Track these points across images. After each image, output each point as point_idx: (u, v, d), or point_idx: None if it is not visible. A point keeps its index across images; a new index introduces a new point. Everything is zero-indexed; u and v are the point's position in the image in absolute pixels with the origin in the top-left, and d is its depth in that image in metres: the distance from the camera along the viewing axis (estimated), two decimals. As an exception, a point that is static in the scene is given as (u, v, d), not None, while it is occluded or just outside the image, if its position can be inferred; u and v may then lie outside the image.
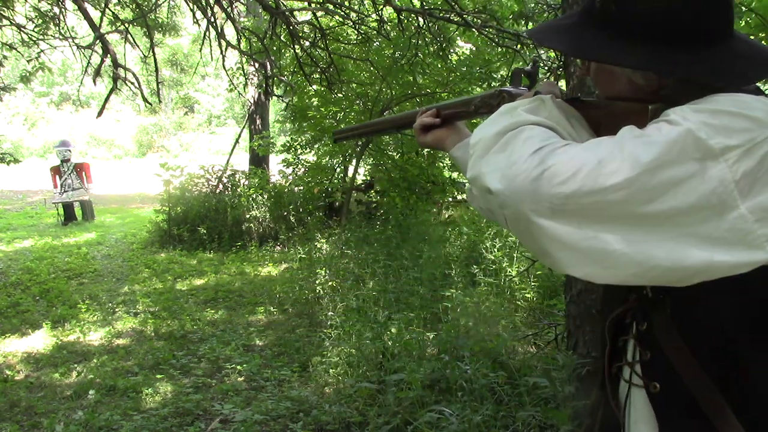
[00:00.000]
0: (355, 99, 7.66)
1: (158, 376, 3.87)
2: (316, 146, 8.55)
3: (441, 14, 5.23)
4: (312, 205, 8.23)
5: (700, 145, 0.72)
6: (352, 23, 5.78)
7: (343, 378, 3.65)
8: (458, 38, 6.80)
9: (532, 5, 5.10)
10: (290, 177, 8.85)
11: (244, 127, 11.65)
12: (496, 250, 5.49)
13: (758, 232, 0.72)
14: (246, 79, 8.52)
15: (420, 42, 5.55)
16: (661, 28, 0.83)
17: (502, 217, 0.81)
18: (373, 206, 8.27)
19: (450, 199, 8.67)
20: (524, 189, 0.75)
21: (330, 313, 4.73)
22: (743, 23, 3.30)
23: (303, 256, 6.57)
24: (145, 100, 4.73)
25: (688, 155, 0.72)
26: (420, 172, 7.87)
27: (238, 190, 8.93)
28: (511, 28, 5.17)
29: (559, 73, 4.53)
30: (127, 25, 5.17)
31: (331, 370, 3.78)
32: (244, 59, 6.33)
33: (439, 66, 6.82)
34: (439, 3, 5.70)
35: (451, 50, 6.40)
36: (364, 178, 9.36)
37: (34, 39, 6.72)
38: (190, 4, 5.21)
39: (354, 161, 8.27)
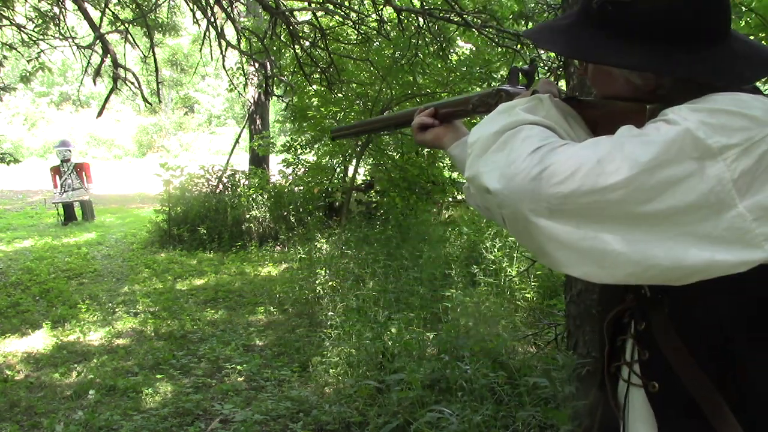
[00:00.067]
0: (355, 99, 7.66)
1: (158, 376, 3.87)
2: (316, 146, 8.55)
3: (441, 14, 5.23)
4: (312, 205, 8.23)
5: (698, 145, 0.72)
6: (352, 23, 5.78)
7: (343, 378, 3.65)
8: (458, 38, 6.80)
9: (532, 5, 5.10)
10: (290, 177, 8.85)
11: (244, 127, 11.65)
12: (496, 250, 5.49)
13: (756, 231, 0.72)
14: (246, 79, 8.52)
15: (420, 42, 5.56)
16: (662, 27, 0.83)
17: (500, 216, 0.81)
18: (373, 206, 8.27)
19: (450, 199, 8.67)
20: (523, 188, 0.75)
21: (330, 313, 4.73)
22: (743, 23, 3.30)
23: (303, 256, 6.57)
24: (145, 100, 4.74)
25: (687, 154, 0.72)
26: (420, 172, 7.87)
27: (238, 190, 8.93)
28: (511, 28, 5.17)
29: (559, 72, 4.53)
30: (127, 25, 5.18)
31: (331, 370, 3.78)
32: (244, 59, 6.34)
33: (439, 66, 6.82)
34: (439, 3, 5.71)
35: (451, 50, 6.41)
36: (364, 178, 9.36)
37: (34, 39, 6.73)
38: (190, 4, 5.21)
39: (354, 161, 8.27)
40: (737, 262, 0.72)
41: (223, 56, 5.34)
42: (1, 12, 5.94)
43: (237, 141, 11.48)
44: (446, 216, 8.46)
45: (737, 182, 0.71)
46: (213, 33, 4.97)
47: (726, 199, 0.71)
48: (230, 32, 7.09)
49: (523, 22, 5.06)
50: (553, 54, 4.67)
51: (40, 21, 6.56)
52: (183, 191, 8.70)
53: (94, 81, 4.53)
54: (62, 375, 3.94)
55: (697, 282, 0.74)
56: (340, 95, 7.46)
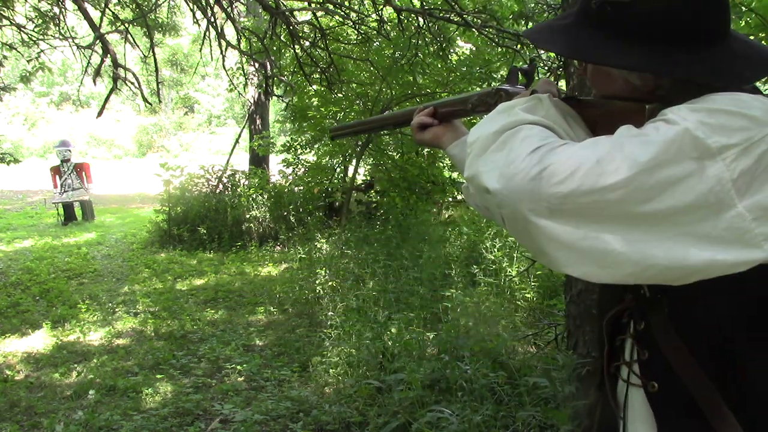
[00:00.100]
0: (355, 99, 7.66)
1: (158, 376, 3.87)
2: (316, 146, 8.55)
3: (441, 14, 5.24)
4: (312, 205, 8.23)
5: (697, 144, 0.72)
6: (352, 23, 5.78)
7: (343, 378, 3.65)
8: (458, 38, 6.80)
9: (532, 5, 5.11)
10: (290, 177, 8.85)
11: (244, 127, 11.65)
12: (496, 250, 5.49)
13: (756, 230, 0.72)
14: (246, 79, 8.52)
15: (420, 42, 5.56)
16: (661, 28, 0.83)
17: (499, 215, 0.81)
18: (373, 206, 8.27)
19: (450, 199, 8.67)
20: (522, 188, 0.75)
21: (330, 313, 4.73)
22: (743, 23, 3.30)
23: (303, 256, 6.57)
24: (145, 100, 4.74)
25: (686, 154, 0.72)
26: (420, 172, 7.87)
27: (238, 190, 8.93)
28: (511, 28, 5.18)
29: (559, 72, 4.53)
30: (127, 25, 5.18)
31: (331, 370, 3.78)
32: (244, 59, 6.34)
33: (439, 66, 6.82)
34: (439, 3, 5.71)
35: (451, 50, 6.41)
36: (364, 178, 9.36)
37: (34, 39, 6.73)
38: (190, 4, 5.21)
39: (354, 161, 8.27)
40: (737, 262, 0.72)
41: (223, 56, 5.34)
42: (1, 12, 5.95)
43: (237, 141, 11.48)
44: (446, 216, 8.46)
45: (736, 182, 0.71)
46: (213, 33, 4.98)
47: (725, 199, 0.71)
48: (230, 32, 7.10)
49: (523, 22, 5.06)
50: (552, 54, 4.67)
51: (40, 21, 6.56)
52: (183, 191, 8.70)
53: (94, 81, 4.53)
54: (62, 375, 3.94)
55: (697, 282, 0.74)
56: (340, 95, 7.46)
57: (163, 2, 6.80)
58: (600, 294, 1.06)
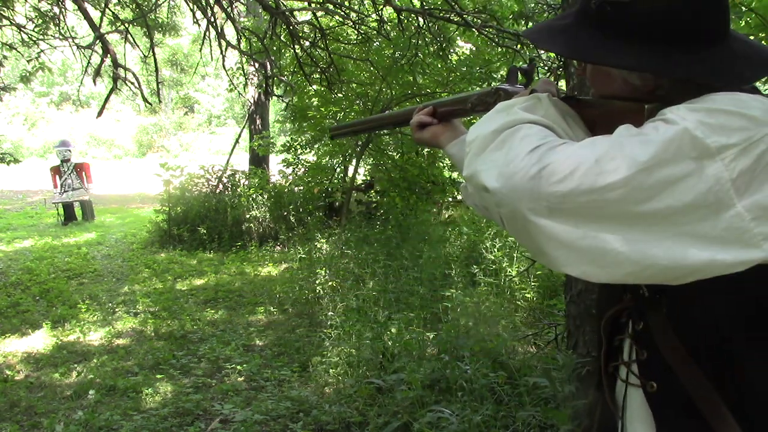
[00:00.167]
0: (355, 99, 7.66)
1: (158, 376, 3.87)
2: (316, 146, 8.55)
3: (441, 14, 5.23)
4: (312, 205, 8.23)
5: (696, 144, 0.72)
6: (352, 23, 5.78)
7: (343, 378, 3.65)
8: (458, 38, 6.80)
9: (532, 5, 5.11)
10: (290, 177, 8.85)
11: (244, 127, 11.65)
12: (496, 250, 5.49)
13: (754, 230, 0.72)
14: (246, 79, 8.52)
15: (420, 42, 5.56)
16: (661, 28, 0.83)
17: (498, 215, 0.81)
18: (373, 206, 8.27)
19: (450, 199, 8.67)
20: (521, 187, 0.75)
21: (330, 313, 4.73)
22: (743, 23, 3.30)
23: (303, 256, 6.57)
24: (145, 100, 4.74)
25: (685, 154, 0.72)
26: (420, 172, 7.87)
27: (238, 190, 8.93)
28: (511, 28, 5.17)
29: (559, 72, 4.53)
30: (127, 25, 5.18)
31: (331, 370, 3.78)
32: (244, 59, 6.34)
33: (439, 66, 6.82)
34: (439, 3, 5.71)
35: (451, 50, 6.41)
36: (364, 178, 9.36)
37: (34, 39, 6.73)
38: (190, 4, 5.21)
39: (354, 161, 8.27)
40: (736, 262, 0.72)
41: (223, 56, 5.34)
42: (1, 12, 5.95)
43: (237, 141, 11.48)
44: (446, 216, 8.46)
45: (736, 182, 0.71)
46: (213, 33, 4.98)
47: (724, 198, 0.71)
48: (230, 32, 7.10)
49: (523, 22, 5.06)
50: (552, 54, 4.67)
51: (40, 21, 6.56)
52: (183, 191, 8.70)
53: (94, 81, 4.53)
54: (62, 375, 3.94)
55: (695, 281, 0.74)
56: (340, 95, 7.46)
57: (163, 2, 6.80)
58: (599, 294, 1.06)
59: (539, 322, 4.29)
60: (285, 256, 7.33)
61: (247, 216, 8.29)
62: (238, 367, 3.99)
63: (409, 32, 5.67)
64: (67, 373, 3.96)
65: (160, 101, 10.89)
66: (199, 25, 5.80)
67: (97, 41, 4.16)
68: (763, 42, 3.21)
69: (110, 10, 5.92)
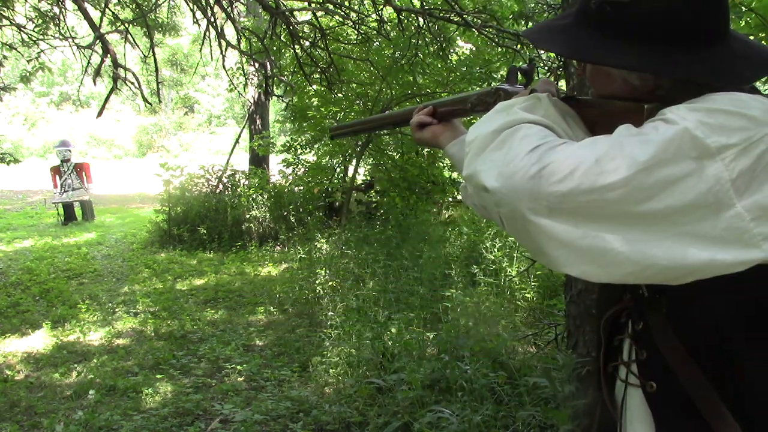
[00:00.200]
0: (355, 99, 7.66)
1: (158, 376, 3.87)
2: (316, 146, 8.55)
3: (441, 14, 5.23)
4: (312, 205, 8.23)
5: (696, 144, 0.72)
6: (352, 23, 5.78)
7: (343, 378, 3.65)
8: (458, 38, 6.80)
9: (532, 5, 5.11)
10: (290, 177, 8.85)
11: (244, 127, 11.65)
12: (496, 250, 5.49)
13: (754, 230, 0.72)
14: (246, 79, 8.52)
15: (420, 42, 5.56)
16: (661, 28, 0.83)
17: (498, 215, 0.81)
18: (373, 206, 8.27)
19: (450, 199, 8.67)
20: (521, 187, 0.75)
21: (330, 313, 4.73)
22: (743, 23, 3.30)
23: (303, 256, 6.57)
24: (145, 100, 4.74)
25: (685, 154, 0.72)
26: (420, 172, 7.87)
27: (238, 190, 8.93)
28: (511, 28, 5.17)
29: (559, 72, 4.53)
30: (127, 25, 5.18)
31: (331, 370, 3.78)
32: (244, 59, 6.34)
33: (439, 66, 6.82)
34: (439, 3, 5.71)
35: (451, 50, 6.40)
36: (364, 178, 9.36)
37: (34, 39, 6.73)
38: (190, 4, 5.21)
39: (354, 161, 8.27)
40: (735, 262, 0.72)
41: (223, 56, 5.34)
42: (1, 12, 5.95)
43: (237, 141, 11.48)
44: (446, 216, 8.46)
45: (735, 182, 0.71)
46: (213, 33, 4.98)
47: (724, 198, 0.71)
48: (230, 32, 7.10)
49: (523, 22, 5.06)
50: (552, 54, 4.67)
51: (40, 21, 6.56)
52: (183, 191, 8.70)
53: (94, 81, 4.53)
54: (62, 375, 3.94)
55: (695, 281, 0.74)
56: (340, 95, 7.46)
57: (163, 2, 6.80)
58: (599, 294, 1.06)
59: (539, 322, 4.29)
60: (285, 256, 7.33)
61: (247, 216, 8.29)
62: (238, 367, 3.99)
63: (409, 32, 5.67)
64: (67, 373, 3.96)
65: (160, 101, 10.90)
66: (199, 25, 5.80)
67: (97, 41, 4.16)
68: (763, 42, 3.21)
69: (110, 10, 5.92)
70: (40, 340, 4.62)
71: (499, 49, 5.91)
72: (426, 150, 7.93)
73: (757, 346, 0.80)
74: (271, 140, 10.30)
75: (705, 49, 0.83)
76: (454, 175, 8.34)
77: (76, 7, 4.97)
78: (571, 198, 0.72)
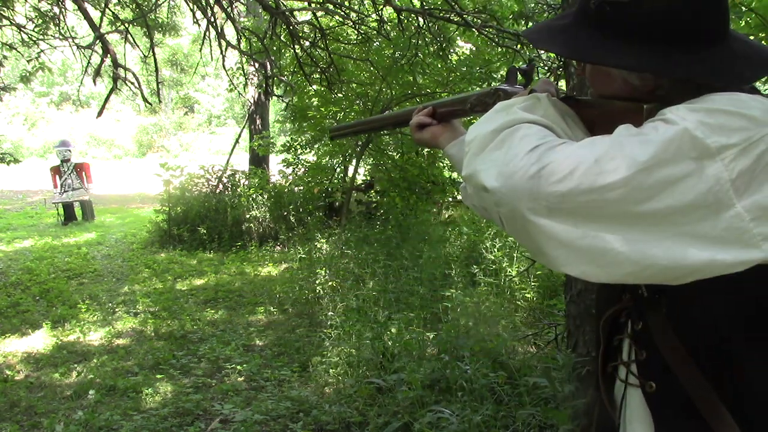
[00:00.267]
0: (355, 99, 7.66)
1: (158, 376, 3.87)
2: (316, 146, 8.55)
3: (441, 14, 5.23)
4: (312, 205, 8.23)
5: (696, 144, 0.72)
6: (352, 23, 5.78)
7: (343, 378, 3.65)
8: (458, 38, 6.79)
9: (532, 5, 5.11)
10: (290, 177, 8.85)
11: (244, 127, 11.65)
12: (496, 250, 5.49)
13: (754, 230, 0.72)
14: (246, 79, 8.52)
15: (420, 42, 5.55)
16: (660, 28, 0.83)
17: (497, 214, 0.81)
18: (373, 206, 8.27)
19: (450, 199, 8.67)
20: (521, 187, 0.75)
21: (330, 313, 4.73)
22: (743, 23, 3.29)
23: (303, 256, 6.57)
24: (145, 100, 4.73)
25: (685, 154, 0.72)
26: (420, 172, 7.87)
27: (238, 190, 8.93)
28: (511, 28, 5.17)
29: (559, 72, 4.53)
30: (127, 25, 5.18)
31: (331, 370, 3.78)
32: (244, 59, 6.33)
33: (439, 66, 6.82)
34: (439, 3, 5.70)
35: (451, 50, 6.40)
36: (364, 178, 9.36)
37: (34, 39, 6.72)
38: (190, 4, 5.21)
39: (354, 161, 8.27)
40: (735, 262, 0.72)
41: (223, 56, 5.34)
42: (1, 12, 5.95)
43: (237, 141, 11.48)
44: (446, 216, 8.46)
45: (735, 182, 0.71)
46: (213, 33, 4.97)
47: (724, 199, 0.71)
48: (230, 32, 7.09)
49: (523, 22, 5.06)
50: (552, 54, 4.67)
51: (40, 21, 6.56)
52: (183, 191, 8.70)
53: (94, 81, 4.53)
54: (62, 375, 3.94)
55: (695, 282, 0.74)
56: (340, 95, 7.46)
57: (163, 2, 6.80)
58: (598, 294, 1.06)
59: (539, 322, 4.29)
60: (285, 256, 7.33)
61: (247, 216, 8.29)
62: (238, 367, 3.99)
63: (409, 32, 5.67)
64: (67, 373, 3.96)
65: (160, 101, 10.89)
66: (199, 25, 5.80)
67: (97, 41, 4.16)
68: (763, 42, 3.21)
69: (110, 10, 5.92)
70: (40, 340, 4.62)
71: (499, 49, 5.91)
72: (426, 150, 7.93)
73: (757, 347, 0.80)
74: (271, 140, 10.30)
75: (705, 49, 0.83)
76: (454, 175, 8.34)
77: (76, 7, 4.97)
78: (570, 198, 0.72)
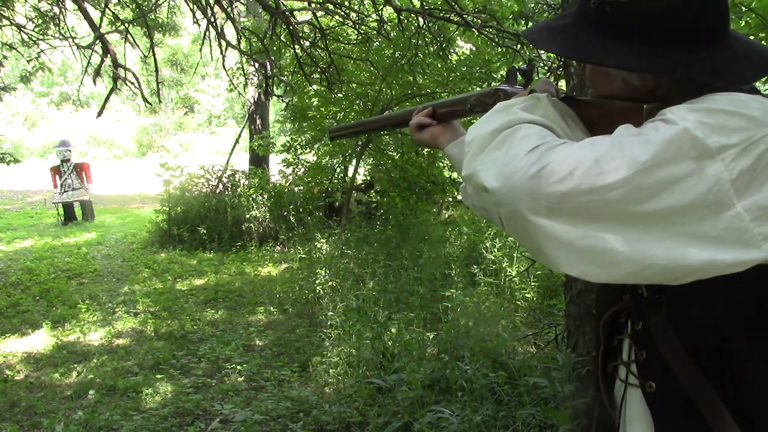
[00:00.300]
0: (355, 99, 7.66)
1: (158, 376, 3.87)
2: (316, 146, 8.55)
3: (441, 14, 5.23)
4: (312, 205, 8.23)
5: (696, 144, 0.72)
6: (352, 23, 5.78)
7: (343, 378, 3.65)
8: (458, 38, 6.79)
9: (532, 5, 5.11)
10: (290, 177, 8.85)
11: (244, 127, 11.65)
12: (496, 250, 5.49)
13: (754, 231, 0.72)
14: (246, 79, 8.52)
15: (420, 42, 5.55)
16: (660, 28, 0.83)
17: (497, 215, 0.81)
18: (373, 206, 8.27)
19: (450, 199, 8.67)
20: (521, 187, 0.75)
21: (330, 313, 4.73)
22: (743, 23, 3.29)
23: (303, 256, 6.57)
24: (145, 100, 4.73)
25: (685, 154, 0.72)
26: (420, 172, 7.87)
27: (238, 190, 8.93)
28: (511, 28, 5.17)
29: (559, 72, 4.53)
30: (127, 25, 5.18)
31: (331, 370, 3.78)
32: (244, 59, 6.33)
33: (439, 66, 6.82)
34: (439, 3, 5.70)
35: (451, 50, 6.40)
36: (364, 178, 9.36)
37: (34, 39, 6.72)
38: (190, 4, 5.21)
39: (354, 161, 8.27)
40: (735, 262, 0.72)
41: (223, 56, 5.34)
42: (1, 12, 5.95)
43: (237, 141, 11.48)
44: (446, 216, 8.46)
45: (735, 182, 0.71)
46: (213, 33, 4.97)
47: (724, 199, 0.71)
48: (230, 32, 7.09)
49: (523, 22, 5.06)
50: (552, 54, 4.67)
51: (40, 21, 6.56)
52: (183, 191, 8.71)
53: (94, 81, 4.53)
54: (62, 375, 3.94)
55: (695, 282, 0.74)
56: (340, 95, 7.46)
57: (163, 2, 6.80)
58: (598, 294, 1.06)
59: (539, 322, 4.29)
60: (285, 256, 7.33)
61: (247, 216, 8.29)
62: (238, 367, 3.99)
63: (409, 32, 5.67)
64: (67, 373, 3.96)
65: (160, 101, 10.89)
66: (199, 25, 5.80)
67: (97, 41, 4.16)
68: (763, 42, 3.21)
69: (110, 10, 5.92)
70: (40, 340, 4.62)
71: (499, 49, 5.91)
72: (426, 150, 7.93)
73: (757, 347, 0.80)
74: (271, 140, 10.30)
75: (705, 49, 0.83)
76: (454, 175, 8.34)
77: (76, 7, 4.97)
78: (570, 198, 0.72)
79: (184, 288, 6.16)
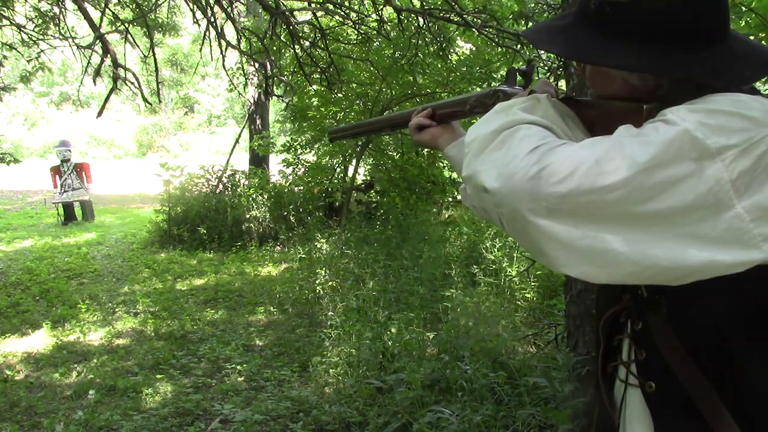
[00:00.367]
0: (355, 99, 7.66)
1: (158, 376, 3.87)
2: (316, 146, 8.55)
3: (441, 14, 5.23)
4: (312, 205, 8.23)
5: (696, 145, 0.72)
6: (352, 23, 5.78)
7: (343, 378, 3.65)
8: (458, 38, 6.79)
9: (532, 5, 5.11)
10: (290, 177, 8.85)
11: (244, 127, 11.65)
12: (496, 250, 5.49)
13: (754, 231, 0.72)
14: (246, 79, 8.52)
15: (420, 42, 5.55)
16: (661, 28, 0.83)
17: (497, 215, 0.80)
18: (373, 206, 8.27)
19: (450, 199, 8.67)
20: (521, 187, 0.75)
21: (330, 313, 4.73)
22: (743, 23, 3.29)
23: (303, 256, 6.57)
24: (145, 100, 4.73)
25: (685, 155, 0.72)
26: (420, 172, 7.87)
27: (238, 190, 8.93)
28: (511, 28, 5.17)
29: (559, 73, 4.53)
30: (127, 25, 5.17)
31: (331, 370, 3.78)
32: (244, 59, 6.33)
33: (439, 66, 6.82)
34: (439, 3, 5.70)
35: (451, 50, 6.40)
36: (364, 178, 9.36)
37: (34, 39, 6.72)
38: (190, 4, 5.21)
39: (354, 161, 8.27)
40: (735, 263, 0.72)
41: (223, 56, 5.34)
42: (1, 12, 5.94)
43: (237, 141, 11.48)
44: (446, 216, 8.46)
45: (735, 183, 0.71)
46: (213, 33, 4.97)
47: (724, 199, 0.71)
48: (230, 32, 7.09)
49: (523, 22, 5.06)
50: (552, 54, 4.67)
51: (40, 21, 6.56)
52: (183, 191, 8.71)
53: (94, 81, 4.53)
54: (62, 375, 3.94)
55: (695, 282, 0.74)
56: (340, 95, 7.46)
57: (163, 2, 6.80)
58: (598, 294, 1.06)
59: (539, 322, 4.29)
60: (285, 256, 7.33)
61: (247, 216, 8.29)
62: (238, 367, 3.99)
63: (409, 32, 5.67)
64: (67, 373, 3.96)
65: (160, 101, 10.89)
66: (199, 25, 5.80)
67: (97, 41, 4.16)
68: (763, 42, 3.21)
69: (110, 10, 5.92)
70: (40, 340, 4.62)
71: (499, 49, 5.91)
72: (426, 150, 7.93)
73: (757, 347, 0.80)
74: (271, 140, 10.30)
75: (705, 49, 0.83)
76: (454, 175, 8.34)
77: (76, 7, 4.97)
78: (570, 199, 0.72)
79: (184, 288, 6.16)
